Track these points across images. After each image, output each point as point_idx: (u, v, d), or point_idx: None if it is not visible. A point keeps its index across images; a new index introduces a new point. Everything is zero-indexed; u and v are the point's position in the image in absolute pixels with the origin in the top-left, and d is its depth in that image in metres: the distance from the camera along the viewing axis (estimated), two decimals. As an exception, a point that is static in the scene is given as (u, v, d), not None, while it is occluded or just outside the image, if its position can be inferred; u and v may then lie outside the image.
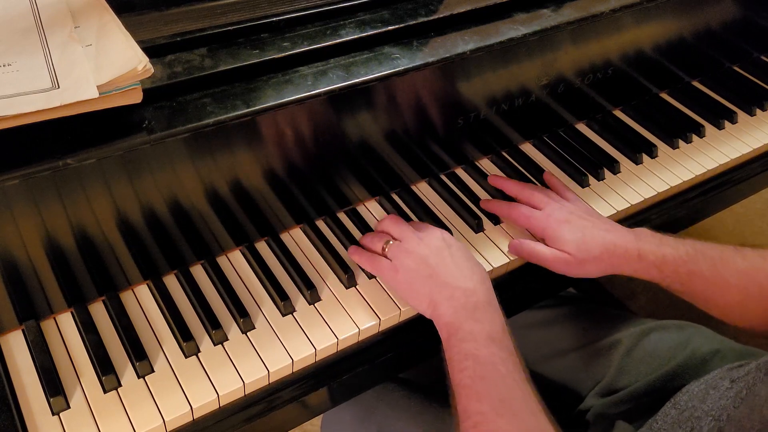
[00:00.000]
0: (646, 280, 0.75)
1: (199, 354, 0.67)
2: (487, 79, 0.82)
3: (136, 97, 0.59)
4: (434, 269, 0.69)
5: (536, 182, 0.88)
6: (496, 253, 0.79)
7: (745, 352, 0.82)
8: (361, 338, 0.71)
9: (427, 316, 0.69)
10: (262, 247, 0.78)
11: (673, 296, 0.76)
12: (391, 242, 0.73)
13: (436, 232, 0.74)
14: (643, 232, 0.75)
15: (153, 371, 0.65)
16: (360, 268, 0.76)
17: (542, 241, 0.79)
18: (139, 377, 0.65)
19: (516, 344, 0.66)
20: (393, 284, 0.72)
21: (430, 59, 0.73)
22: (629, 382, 0.83)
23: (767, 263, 0.72)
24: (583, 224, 0.76)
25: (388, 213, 0.83)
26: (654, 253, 0.73)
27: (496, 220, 0.83)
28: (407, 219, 0.82)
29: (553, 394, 0.89)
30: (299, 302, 0.72)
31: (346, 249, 0.78)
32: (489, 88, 0.83)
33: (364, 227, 0.80)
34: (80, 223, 0.64)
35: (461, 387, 0.61)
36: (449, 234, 0.75)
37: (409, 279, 0.70)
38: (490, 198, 0.86)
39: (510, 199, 0.85)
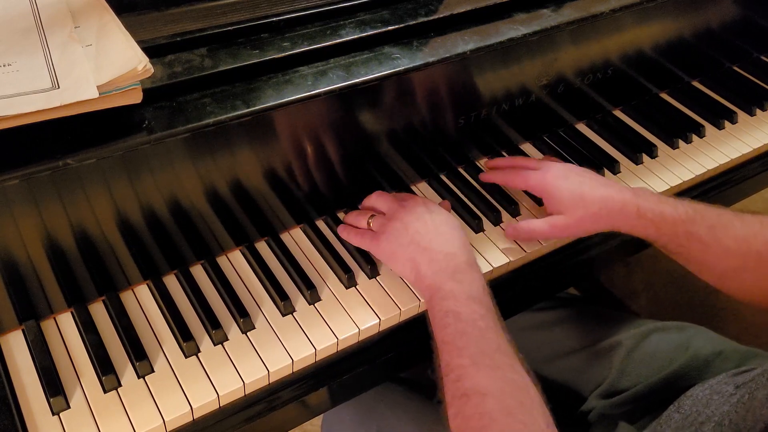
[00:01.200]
0: (645, 276, 0.75)
1: (199, 354, 0.67)
2: (487, 79, 0.82)
3: (136, 97, 0.59)
4: (415, 235, 0.70)
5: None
6: (496, 253, 0.79)
7: (747, 354, 0.82)
8: (361, 338, 0.71)
9: (410, 280, 0.71)
10: (262, 247, 0.78)
11: (674, 296, 0.76)
12: (375, 216, 0.75)
13: (418, 200, 0.75)
14: (642, 190, 0.75)
15: (153, 371, 0.65)
16: (359, 266, 0.76)
17: (540, 199, 0.79)
18: (139, 377, 0.65)
19: (495, 303, 0.66)
20: (377, 252, 0.74)
21: (430, 59, 0.73)
22: (631, 384, 0.83)
23: (765, 229, 0.70)
24: (580, 179, 0.76)
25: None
26: (652, 211, 0.72)
27: (496, 220, 0.83)
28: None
29: (555, 396, 0.89)
30: (299, 302, 0.72)
31: (347, 249, 0.78)
32: (489, 88, 0.83)
33: (364, 227, 0.80)
34: (80, 223, 0.64)
35: (443, 343, 0.62)
36: (432, 202, 0.76)
37: (391, 246, 0.71)
38: (489, 171, 0.87)
39: None
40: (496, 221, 0.83)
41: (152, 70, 0.58)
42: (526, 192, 0.85)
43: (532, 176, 0.78)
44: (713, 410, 0.68)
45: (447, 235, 0.71)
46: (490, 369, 0.59)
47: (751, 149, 0.98)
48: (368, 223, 0.75)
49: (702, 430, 0.66)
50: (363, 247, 0.75)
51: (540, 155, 0.94)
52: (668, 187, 0.90)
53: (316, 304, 0.72)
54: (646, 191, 0.75)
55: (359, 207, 0.81)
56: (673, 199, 0.74)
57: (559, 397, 0.89)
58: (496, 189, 0.87)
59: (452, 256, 0.68)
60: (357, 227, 0.77)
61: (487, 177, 0.85)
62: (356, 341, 0.71)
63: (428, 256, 0.69)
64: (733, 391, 0.68)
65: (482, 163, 0.91)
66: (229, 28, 0.70)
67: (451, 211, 0.82)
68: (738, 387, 0.68)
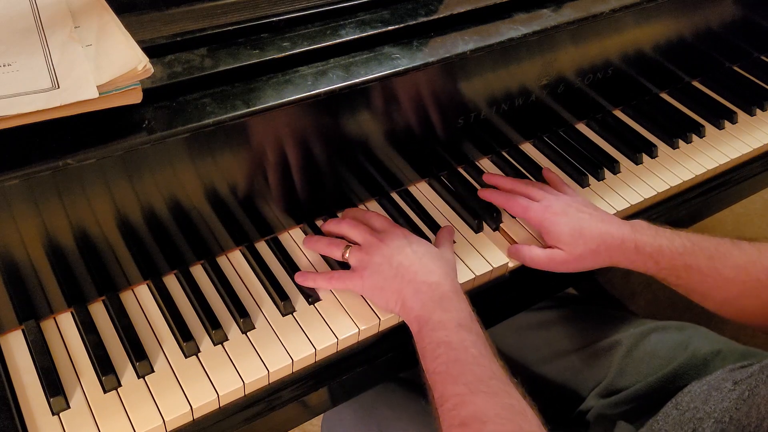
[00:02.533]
0: (645, 279, 0.75)
1: (199, 354, 0.67)
2: (487, 79, 0.82)
3: (136, 97, 0.59)
4: (399, 268, 0.69)
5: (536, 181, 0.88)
6: (496, 253, 0.79)
7: (746, 353, 0.82)
8: (361, 338, 0.71)
9: (397, 313, 0.70)
10: (262, 247, 0.78)
11: (673, 296, 0.76)
12: (351, 248, 0.73)
13: (396, 231, 0.74)
14: (640, 224, 0.75)
15: (153, 371, 0.65)
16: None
17: (539, 236, 0.79)
18: (139, 377, 0.65)
19: (484, 329, 0.66)
20: (361, 291, 0.72)
21: (430, 59, 0.73)
22: (630, 383, 0.83)
23: (763, 257, 0.71)
24: (580, 216, 0.76)
25: (388, 213, 0.83)
26: (651, 245, 0.72)
27: (495, 225, 0.83)
28: (407, 219, 0.82)
29: (554, 395, 0.89)
30: (299, 302, 0.72)
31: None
32: (489, 88, 0.83)
33: (364, 227, 0.80)
34: (80, 223, 0.64)
35: (436, 374, 0.62)
36: (408, 231, 0.75)
37: (375, 282, 0.70)
38: (489, 189, 0.86)
39: None
40: (496, 221, 0.83)
41: (152, 70, 0.58)
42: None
43: (533, 209, 0.78)
44: (712, 406, 0.68)
45: (430, 266, 0.70)
46: (487, 395, 0.59)
47: (751, 149, 0.98)
48: (343, 255, 0.73)
49: (701, 427, 0.66)
50: (345, 289, 0.73)
51: (540, 155, 0.94)
52: (668, 187, 0.90)
53: (316, 304, 0.72)
54: (643, 225, 0.75)
55: (323, 230, 0.78)
56: (670, 231, 0.74)
57: (558, 397, 0.89)
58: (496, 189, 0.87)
59: (437, 285, 0.68)
60: (330, 256, 0.75)
61: (486, 195, 0.84)
62: (356, 341, 0.71)
63: (413, 287, 0.68)
64: (732, 387, 0.68)
65: (482, 163, 0.91)
66: (229, 28, 0.70)
67: (453, 231, 0.81)
68: (737, 383, 0.68)
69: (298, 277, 0.74)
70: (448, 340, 0.63)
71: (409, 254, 0.71)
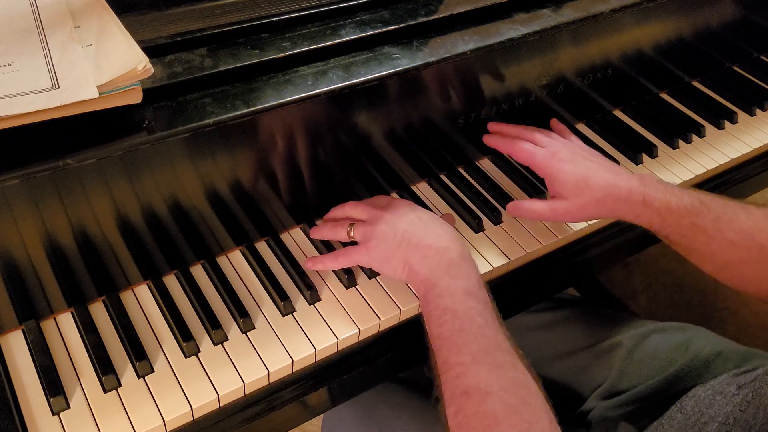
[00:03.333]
0: (645, 276, 0.75)
1: (199, 354, 0.67)
2: (487, 79, 0.82)
3: (136, 97, 0.59)
4: (404, 234, 0.68)
5: (537, 182, 0.88)
6: (496, 253, 0.79)
7: (747, 354, 0.82)
8: (361, 338, 0.71)
9: (404, 279, 0.69)
10: (262, 247, 0.78)
11: (673, 296, 0.76)
12: (354, 224, 0.72)
13: (399, 201, 0.73)
14: (649, 177, 0.74)
15: (153, 371, 0.65)
16: (359, 266, 0.75)
17: (543, 179, 0.78)
18: (139, 377, 0.65)
19: (492, 297, 0.65)
20: (368, 262, 0.71)
21: (430, 59, 0.73)
22: (631, 385, 0.83)
23: None
24: (587, 164, 0.74)
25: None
26: (659, 200, 0.70)
27: (496, 219, 0.83)
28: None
29: (555, 396, 0.88)
30: (299, 302, 0.72)
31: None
32: (489, 88, 0.83)
33: (364, 227, 0.80)
34: (80, 223, 0.64)
35: (441, 340, 0.61)
36: (412, 201, 0.74)
37: (382, 252, 0.69)
38: (495, 135, 0.84)
39: None
40: (496, 221, 0.83)
41: (152, 70, 0.58)
42: (527, 171, 0.82)
43: (538, 154, 0.76)
44: (716, 410, 0.67)
45: (437, 230, 0.69)
46: (492, 367, 0.58)
47: (751, 149, 0.98)
48: (348, 233, 0.72)
49: (705, 431, 0.66)
50: (352, 264, 0.73)
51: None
52: (668, 187, 0.90)
53: (316, 304, 0.72)
54: (652, 179, 0.73)
55: (325, 217, 0.78)
56: (679, 189, 0.72)
57: (559, 398, 0.88)
58: (496, 189, 0.87)
59: (445, 250, 0.67)
60: (335, 239, 0.74)
61: (491, 141, 0.82)
62: (356, 341, 0.71)
63: (421, 252, 0.67)
64: (736, 392, 0.68)
65: (482, 163, 0.91)
66: (229, 28, 0.70)
67: (454, 219, 0.80)
68: (741, 387, 0.68)
69: (308, 263, 0.73)
70: (454, 308, 0.62)
71: (414, 220, 0.70)
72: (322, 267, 0.73)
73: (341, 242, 0.76)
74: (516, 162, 0.92)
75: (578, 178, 0.73)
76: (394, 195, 0.85)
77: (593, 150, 0.79)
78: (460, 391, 0.57)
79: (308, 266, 0.73)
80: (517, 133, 0.82)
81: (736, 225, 0.70)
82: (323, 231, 0.76)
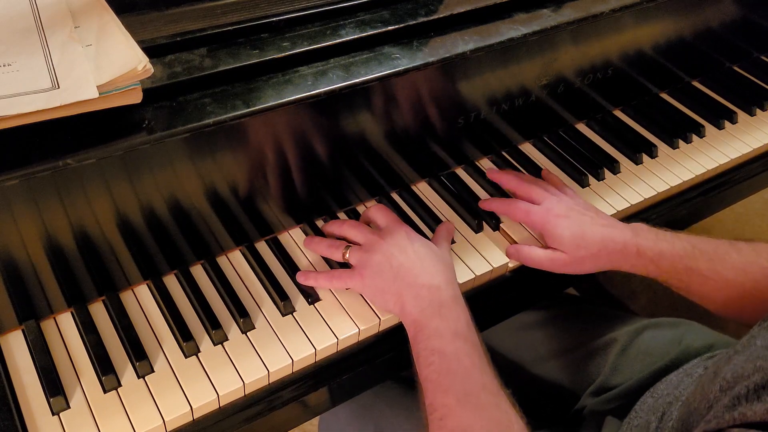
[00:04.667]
0: (645, 279, 0.75)
1: (199, 354, 0.67)
2: (487, 79, 0.82)
3: (136, 97, 0.59)
4: (399, 270, 0.69)
5: (536, 182, 0.88)
6: (496, 253, 0.79)
7: None
8: (361, 338, 0.71)
9: (395, 314, 0.70)
10: (262, 247, 0.78)
11: (673, 295, 0.76)
12: (351, 247, 0.73)
13: (399, 228, 0.73)
14: (641, 227, 0.75)
15: (153, 371, 0.65)
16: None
17: (540, 237, 0.79)
18: (139, 377, 0.65)
19: (481, 339, 0.66)
20: (361, 291, 0.72)
21: (430, 59, 0.73)
22: (622, 380, 0.83)
23: (761, 258, 0.72)
24: (582, 219, 0.76)
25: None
26: (651, 249, 0.73)
27: (495, 225, 0.83)
28: (407, 219, 0.82)
29: (551, 394, 0.89)
30: (299, 302, 0.72)
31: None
32: (489, 88, 0.83)
33: (364, 227, 0.80)
34: (80, 223, 0.64)
35: (428, 381, 0.62)
36: (411, 229, 0.75)
37: (375, 283, 0.70)
38: (489, 198, 0.86)
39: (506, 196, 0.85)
40: (496, 227, 0.83)
41: (152, 70, 0.58)
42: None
43: (534, 212, 0.78)
44: (681, 391, 0.68)
45: (432, 268, 0.69)
46: (475, 408, 0.59)
47: (751, 149, 0.98)
48: (343, 255, 0.73)
49: (669, 411, 0.67)
50: (344, 288, 0.73)
51: (540, 155, 0.94)
52: (668, 187, 0.90)
53: (316, 304, 0.72)
54: (644, 228, 0.75)
55: (324, 231, 0.78)
56: (671, 234, 0.74)
57: (555, 396, 0.89)
58: (496, 189, 0.87)
59: (437, 290, 0.68)
60: (330, 257, 0.75)
61: (486, 206, 0.84)
62: (356, 341, 0.71)
63: (414, 291, 0.67)
64: (702, 372, 0.69)
65: (482, 163, 0.91)
66: (229, 28, 0.70)
67: (453, 228, 0.81)
68: (707, 368, 0.68)
69: (300, 277, 0.74)
70: (442, 350, 0.63)
71: (410, 255, 0.70)
72: (314, 284, 0.74)
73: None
74: (516, 162, 0.92)
75: (574, 233, 0.74)
76: (395, 195, 0.85)
77: (587, 203, 0.81)
78: None
79: (300, 280, 0.74)
80: (513, 186, 0.84)
81: (728, 264, 0.72)
82: (319, 247, 0.76)
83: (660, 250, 0.73)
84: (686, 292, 0.75)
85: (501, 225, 0.83)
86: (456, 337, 0.64)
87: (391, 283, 0.69)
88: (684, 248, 0.73)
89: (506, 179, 0.85)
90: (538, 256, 0.76)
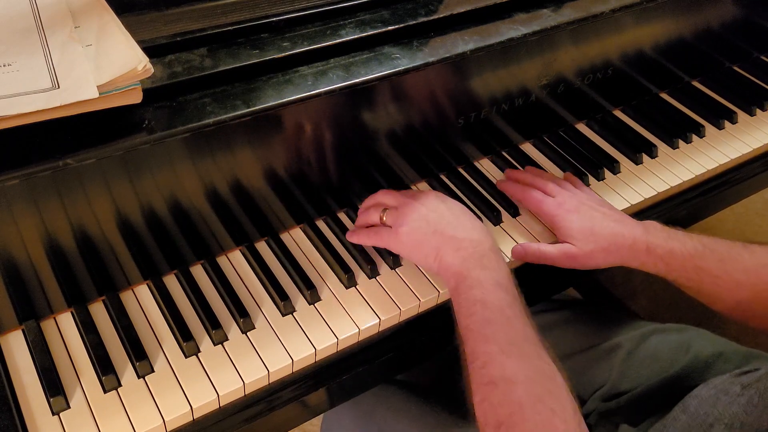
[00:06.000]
0: (646, 279, 0.75)
1: (199, 354, 0.67)
2: (487, 79, 0.82)
3: (136, 97, 0.59)
4: (437, 225, 0.71)
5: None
6: (496, 253, 0.79)
7: (748, 355, 0.82)
8: (361, 338, 0.71)
9: (434, 269, 0.71)
10: (262, 247, 0.78)
11: (674, 296, 0.76)
12: (387, 210, 0.75)
13: (430, 192, 0.76)
14: (653, 225, 0.75)
15: (153, 371, 0.65)
16: (359, 266, 0.76)
17: (550, 228, 0.80)
18: (139, 377, 0.65)
19: (519, 290, 0.67)
20: (398, 248, 0.73)
21: (430, 59, 0.73)
22: (631, 386, 0.83)
23: None
24: (593, 214, 0.76)
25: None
26: (662, 247, 0.73)
27: (496, 220, 0.83)
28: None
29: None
30: (299, 302, 0.72)
31: (347, 249, 0.78)
32: (489, 88, 0.83)
33: (364, 227, 0.80)
34: (80, 223, 0.64)
35: (469, 330, 0.63)
36: (441, 193, 0.77)
37: (413, 238, 0.71)
38: (506, 180, 0.87)
39: None
40: (497, 221, 0.83)
41: (152, 70, 0.58)
42: None
43: (546, 204, 0.79)
44: (721, 411, 0.67)
45: (469, 223, 0.71)
46: (518, 357, 0.59)
47: (751, 149, 0.98)
48: (381, 218, 0.75)
49: None
50: (381, 245, 0.75)
51: (540, 155, 0.94)
52: (668, 187, 0.90)
53: (316, 304, 0.72)
54: (655, 226, 0.75)
55: (360, 207, 0.80)
56: (682, 233, 0.74)
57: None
58: (496, 189, 0.87)
59: (478, 242, 0.69)
60: (367, 223, 0.76)
61: (504, 186, 0.85)
62: (356, 341, 0.71)
63: (454, 244, 0.69)
64: (740, 392, 0.68)
65: (482, 163, 0.91)
66: (229, 28, 0.70)
67: None
68: (745, 387, 0.68)
69: (349, 235, 0.77)
70: (484, 299, 0.64)
71: (444, 212, 0.72)
72: (356, 240, 0.76)
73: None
74: (516, 162, 0.92)
75: (583, 227, 0.75)
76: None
77: (601, 199, 0.82)
78: (486, 381, 0.58)
79: (349, 238, 0.77)
80: (530, 180, 0.85)
81: (740, 265, 0.72)
82: (359, 218, 0.79)
83: (670, 249, 0.72)
84: (697, 292, 0.74)
85: (501, 225, 0.83)
86: (498, 287, 0.65)
87: (428, 237, 0.70)
88: (695, 247, 0.72)
89: (522, 176, 0.86)
90: (548, 251, 0.76)
